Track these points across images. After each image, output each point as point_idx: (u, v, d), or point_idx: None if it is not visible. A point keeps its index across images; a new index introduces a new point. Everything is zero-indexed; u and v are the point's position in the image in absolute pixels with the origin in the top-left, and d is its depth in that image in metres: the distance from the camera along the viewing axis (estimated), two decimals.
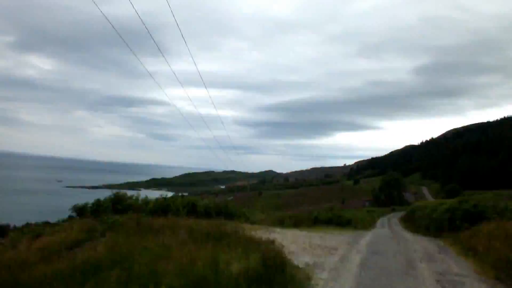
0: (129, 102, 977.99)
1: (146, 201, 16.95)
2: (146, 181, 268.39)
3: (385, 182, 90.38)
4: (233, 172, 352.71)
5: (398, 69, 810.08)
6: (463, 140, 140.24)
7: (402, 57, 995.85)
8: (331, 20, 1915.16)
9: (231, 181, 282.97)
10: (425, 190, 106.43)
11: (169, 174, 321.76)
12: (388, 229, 25.23)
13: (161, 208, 15.71)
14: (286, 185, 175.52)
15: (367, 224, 28.49)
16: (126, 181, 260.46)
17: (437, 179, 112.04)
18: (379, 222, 36.88)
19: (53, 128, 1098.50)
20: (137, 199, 16.89)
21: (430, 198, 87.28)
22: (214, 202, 20.05)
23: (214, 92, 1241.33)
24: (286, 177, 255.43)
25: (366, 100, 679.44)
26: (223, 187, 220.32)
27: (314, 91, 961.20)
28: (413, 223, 26.62)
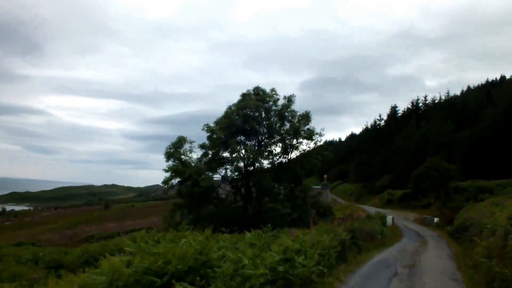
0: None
1: None
2: (5, 195, 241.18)
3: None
4: (114, 186, 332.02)
5: (284, 84, 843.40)
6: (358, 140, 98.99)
7: (288, 71, 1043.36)
8: (214, 27, 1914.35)
9: (112, 195, 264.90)
10: (331, 194, 67.20)
11: (40, 189, 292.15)
12: None
13: None
14: (157, 198, 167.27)
15: None
16: None
17: (343, 177, 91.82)
18: None
19: None
20: None
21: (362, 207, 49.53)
22: None
23: (95, 102, 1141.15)
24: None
25: None
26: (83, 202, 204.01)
27: (202, 104, 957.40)
28: None
